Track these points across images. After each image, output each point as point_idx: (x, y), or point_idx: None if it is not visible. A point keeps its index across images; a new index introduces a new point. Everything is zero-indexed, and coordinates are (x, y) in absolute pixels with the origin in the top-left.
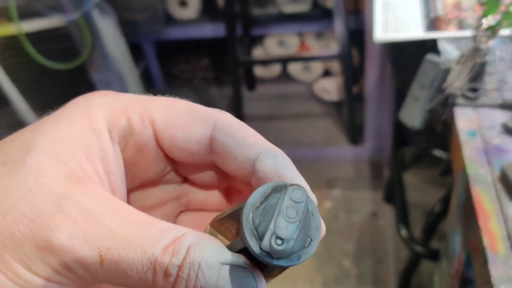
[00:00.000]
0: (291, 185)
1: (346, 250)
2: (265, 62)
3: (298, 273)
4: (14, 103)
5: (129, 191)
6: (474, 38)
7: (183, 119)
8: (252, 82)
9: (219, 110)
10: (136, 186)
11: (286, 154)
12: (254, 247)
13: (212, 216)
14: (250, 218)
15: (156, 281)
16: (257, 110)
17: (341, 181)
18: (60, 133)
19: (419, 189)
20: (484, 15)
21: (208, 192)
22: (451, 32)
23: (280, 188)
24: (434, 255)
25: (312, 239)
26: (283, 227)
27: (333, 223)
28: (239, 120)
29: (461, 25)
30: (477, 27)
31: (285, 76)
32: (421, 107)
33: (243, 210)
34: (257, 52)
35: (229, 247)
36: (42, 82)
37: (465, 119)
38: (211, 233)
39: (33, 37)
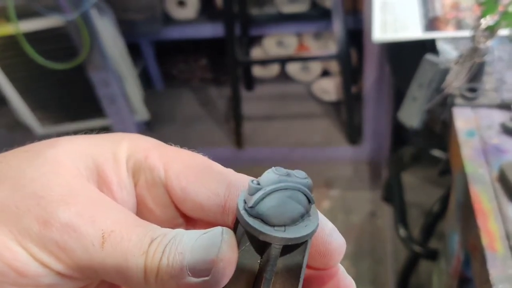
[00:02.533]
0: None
1: (345, 250)
2: (264, 62)
3: None
4: (13, 103)
5: None
6: (472, 38)
7: (198, 173)
8: (250, 82)
9: (233, 170)
10: None
11: (285, 154)
12: (240, 200)
13: None
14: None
15: (147, 263)
16: (256, 110)
17: (339, 181)
18: (83, 146)
19: (418, 189)
20: (483, 15)
21: None
22: (450, 32)
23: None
24: (432, 255)
25: (285, 230)
26: (265, 173)
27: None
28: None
29: (459, 25)
30: (476, 27)
31: (283, 76)
32: (420, 107)
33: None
34: (256, 52)
35: None
36: (40, 82)
37: (463, 119)
38: None
39: (32, 37)
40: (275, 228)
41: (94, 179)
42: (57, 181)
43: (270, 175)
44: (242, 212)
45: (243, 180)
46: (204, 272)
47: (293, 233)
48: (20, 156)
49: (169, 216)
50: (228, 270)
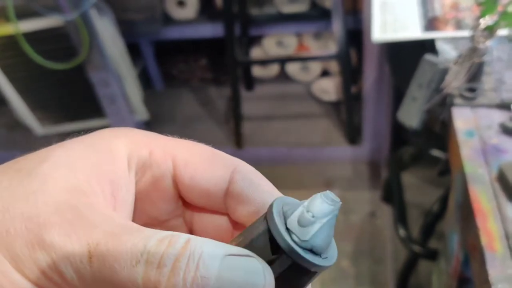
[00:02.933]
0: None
1: (344, 250)
2: (264, 62)
3: None
4: (12, 103)
5: None
6: (471, 38)
7: (205, 160)
8: (250, 82)
9: (239, 159)
10: (142, 224)
11: (284, 154)
12: (279, 223)
13: None
14: (280, 206)
15: (147, 275)
16: (256, 110)
17: (339, 181)
18: (77, 151)
19: (417, 189)
20: (482, 15)
21: None
22: (449, 32)
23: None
24: (432, 255)
25: (327, 257)
26: (318, 203)
27: None
28: (255, 170)
29: (459, 25)
30: (475, 27)
31: (283, 76)
32: (419, 107)
33: (273, 201)
34: (256, 52)
35: (238, 244)
36: (40, 82)
37: (463, 119)
38: None
39: (31, 37)
40: (322, 256)
41: (89, 182)
42: (45, 199)
43: (324, 206)
44: (293, 244)
45: (249, 169)
46: None
47: (330, 260)
48: (12, 176)
49: (170, 208)
50: None
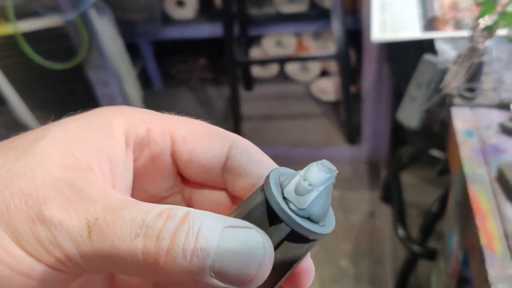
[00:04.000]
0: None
1: (344, 250)
2: (263, 62)
3: None
4: (11, 103)
5: None
6: (471, 38)
7: (203, 136)
8: (249, 82)
9: (236, 134)
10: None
11: (284, 154)
12: (276, 192)
13: None
14: (277, 176)
15: (147, 249)
16: (255, 110)
17: (338, 181)
18: (74, 128)
19: (417, 189)
20: (481, 15)
21: None
22: (448, 32)
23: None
24: (431, 255)
25: (325, 224)
26: (315, 172)
27: None
28: (252, 144)
29: (458, 25)
30: (474, 27)
31: (282, 76)
32: (419, 107)
33: (270, 172)
34: (255, 52)
35: (236, 216)
36: (39, 82)
37: (462, 119)
38: None
39: (30, 37)
40: (320, 224)
41: (87, 160)
42: (43, 176)
43: (321, 175)
44: (290, 213)
45: (246, 142)
46: (234, 281)
47: (328, 228)
48: (8, 153)
49: (169, 184)
50: (262, 280)
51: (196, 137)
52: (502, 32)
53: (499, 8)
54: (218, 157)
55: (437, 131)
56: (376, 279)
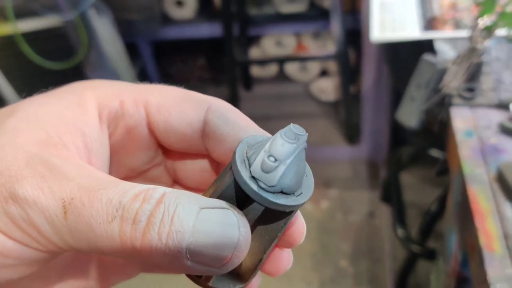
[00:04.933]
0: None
1: (343, 250)
2: (262, 62)
3: (295, 273)
4: (10, 103)
5: None
6: (470, 38)
7: (178, 103)
8: (249, 82)
9: (213, 97)
10: (122, 177)
11: None
12: (243, 172)
13: None
14: (244, 151)
15: (123, 232)
16: (254, 110)
17: (338, 181)
18: (46, 104)
19: (416, 189)
20: (480, 15)
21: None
22: (448, 32)
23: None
24: (430, 255)
25: (302, 192)
26: (279, 145)
27: (329, 223)
28: (231, 105)
29: (457, 25)
30: (473, 27)
31: (282, 76)
32: (418, 107)
33: (236, 146)
34: (254, 52)
35: (211, 195)
36: (38, 82)
37: (461, 119)
38: None
39: (30, 36)
40: (296, 194)
41: (60, 135)
42: (15, 153)
43: (286, 147)
44: (260, 192)
45: (223, 105)
46: (210, 263)
47: (305, 196)
48: None
49: (149, 156)
50: (238, 262)
51: (171, 105)
52: (501, 32)
53: (498, 8)
54: (196, 123)
55: (437, 131)
56: (376, 279)
